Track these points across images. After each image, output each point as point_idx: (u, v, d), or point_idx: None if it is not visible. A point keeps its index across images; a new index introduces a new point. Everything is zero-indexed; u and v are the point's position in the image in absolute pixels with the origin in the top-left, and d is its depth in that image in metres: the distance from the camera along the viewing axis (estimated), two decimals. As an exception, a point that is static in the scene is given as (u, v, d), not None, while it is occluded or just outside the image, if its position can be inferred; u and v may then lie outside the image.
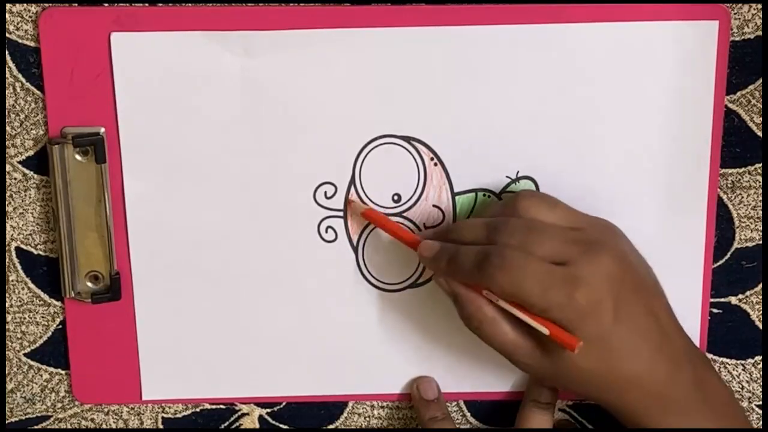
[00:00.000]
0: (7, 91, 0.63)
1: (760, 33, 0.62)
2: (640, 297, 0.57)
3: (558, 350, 0.56)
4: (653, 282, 0.59)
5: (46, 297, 0.67)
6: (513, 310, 0.56)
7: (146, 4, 0.61)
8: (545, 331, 0.55)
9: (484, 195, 0.64)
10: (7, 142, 0.64)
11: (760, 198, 0.65)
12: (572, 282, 0.54)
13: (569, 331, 0.55)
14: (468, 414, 0.69)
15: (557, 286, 0.54)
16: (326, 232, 0.65)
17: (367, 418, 0.69)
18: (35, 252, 0.66)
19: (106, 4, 0.61)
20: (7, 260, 0.66)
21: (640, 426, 0.58)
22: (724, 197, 0.65)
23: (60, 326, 0.67)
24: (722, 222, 0.65)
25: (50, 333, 0.67)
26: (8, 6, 0.61)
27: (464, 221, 0.61)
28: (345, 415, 0.69)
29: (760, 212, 0.65)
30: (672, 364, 0.57)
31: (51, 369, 0.68)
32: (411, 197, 0.64)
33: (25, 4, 0.61)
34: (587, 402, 0.69)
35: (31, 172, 0.64)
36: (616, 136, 0.63)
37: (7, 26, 0.62)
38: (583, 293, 0.54)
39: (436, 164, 0.64)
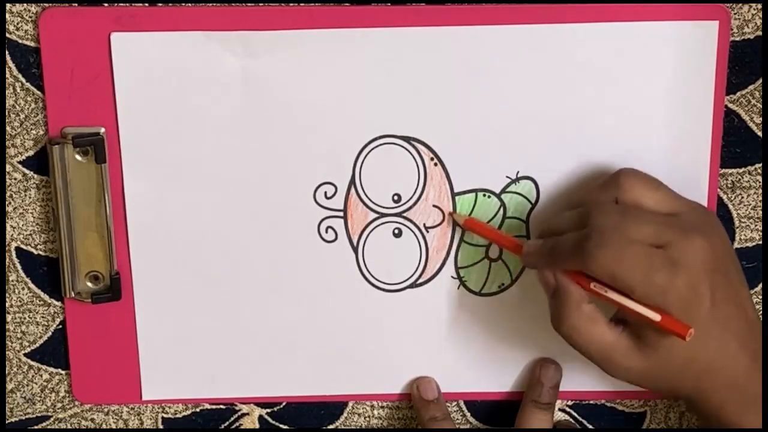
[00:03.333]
0: (7, 91, 0.63)
1: (760, 33, 0.62)
2: (731, 286, 0.56)
3: (657, 344, 0.55)
4: (740, 271, 0.58)
5: (46, 297, 0.67)
6: (621, 299, 0.54)
7: (146, 4, 0.61)
8: (656, 317, 0.53)
9: (484, 195, 0.64)
10: (7, 142, 0.64)
11: (760, 198, 0.65)
12: (673, 265, 0.53)
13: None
14: (468, 414, 0.69)
15: (659, 269, 0.53)
16: (326, 232, 0.65)
17: (367, 418, 0.69)
18: (35, 252, 0.66)
19: (106, 4, 0.61)
20: (7, 260, 0.66)
21: (721, 424, 0.57)
22: (724, 197, 0.65)
23: (60, 326, 0.67)
24: (722, 222, 0.65)
25: (50, 333, 0.67)
26: (8, 6, 0.61)
27: (558, 214, 0.60)
28: (345, 415, 0.69)
29: (760, 212, 0.65)
30: (753, 357, 0.56)
31: (51, 369, 0.68)
32: (411, 197, 0.64)
33: (25, 4, 0.61)
34: (587, 402, 0.69)
35: (31, 172, 0.64)
36: (616, 136, 0.63)
37: (7, 26, 0.62)
38: (683, 278, 0.53)
39: (436, 164, 0.64)
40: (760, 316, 0.67)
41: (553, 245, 0.57)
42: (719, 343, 0.55)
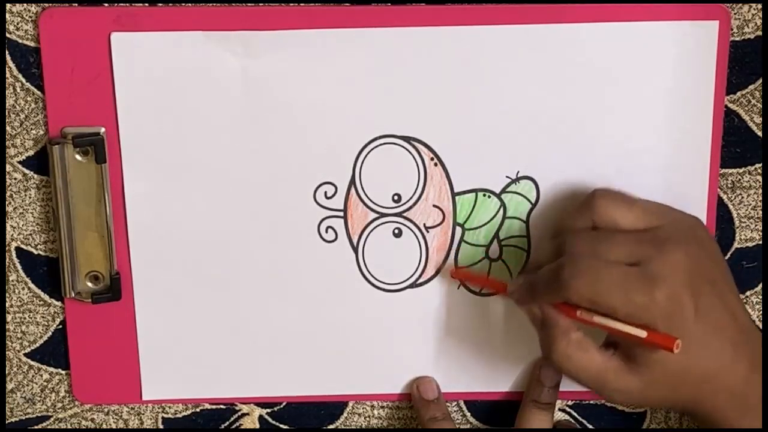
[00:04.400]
0: (7, 91, 0.63)
1: (760, 33, 0.62)
2: (717, 293, 0.56)
3: (648, 361, 0.55)
4: (729, 278, 0.58)
5: (46, 297, 0.67)
6: (606, 321, 0.54)
7: (146, 4, 0.61)
8: (642, 334, 0.53)
9: (484, 195, 0.64)
10: (7, 142, 0.64)
11: (760, 198, 0.65)
12: (650, 281, 0.53)
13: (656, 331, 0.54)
14: (468, 414, 0.69)
15: (636, 287, 0.53)
16: (326, 232, 0.65)
17: (367, 418, 0.69)
18: (35, 252, 0.66)
19: (106, 4, 0.61)
20: (7, 260, 0.66)
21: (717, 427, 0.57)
22: (724, 197, 0.65)
23: (60, 326, 0.67)
24: (722, 222, 0.65)
25: (50, 333, 0.67)
26: (8, 6, 0.61)
27: (535, 250, 0.61)
28: (345, 415, 0.69)
29: (760, 212, 0.65)
30: (749, 364, 0.56)
31: (51, 369, 0.68)
32: (411, 197, 0.64)
33: (25, 4, 0.61)
34: (587, 402, 0.69)
35: (31, 172, 0.64)
36: (616, 136, 0.63)
37: (7, 26, 0.62)
38: (662, 291, 0.53)
39: (436, 164, 0.64)
40: (756, 321, 0.67)
41: (531, 281, 0.58)
42: (712, 350, 0.55)
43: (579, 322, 0.56)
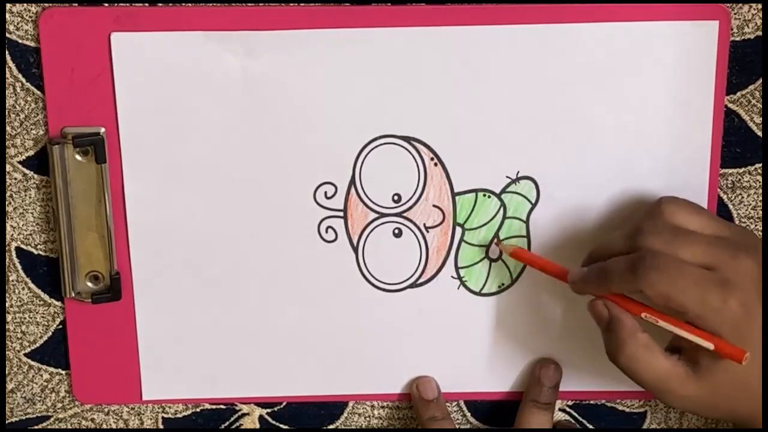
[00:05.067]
0: (7, 91, 0.63)
1: (760, 33, 0.62)
2: None
3: (714, 369, 0.55)
4: None
5: (46, 297, 0.67)
6: (674, 328, 0.54)
7: (146, 4, 0.61)
8: (710, 346, 0.53)
9: (484, 195, 0.64)
10: (7, 142, 0.64)
11: (760, 198, 0.65)
12: (725, 286, 0.53)
13: (723, 338, 0.53)
14: (468, 414, 0.69)
15: (712, 290, 0.53)
16: (326, 232, 0.65)
17: (367, 418, 0.69)
18: (35, 252, 0.66)
19: (106, 4, 0.61)
20: (7, 260, 0.66)
21: None
22: (724, 197, 0.65)
23: (60, 326, 0.67)
24: (722, 222, 0.65)
25: (50, 333, 0.67)
26: (8, 6, 0.61)
27: (603, 238, 0.60)
28: (345, 415, 0.69)
29: (760, 212, 0.65)
30: None
31: (51, 369, 0.68)
32: (411, 197, 0.64)
33: (25, 4, 0.61)
34: (587, 402, 0.69)
35: (31, 172, 0.64)
36: (616, 136, 0.63)
37: (7, 26, 0.62)
38: (736, 298, 0.53)
39: (436, 164, 0.64)
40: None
41: (602, 269, 0.57)
42: None
43: (643, 323, 0.56)
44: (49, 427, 0.69)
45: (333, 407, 0.69)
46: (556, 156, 0.63)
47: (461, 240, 0.65)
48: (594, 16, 0.61)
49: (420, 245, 0.65)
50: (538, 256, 0.64)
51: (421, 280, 0.66)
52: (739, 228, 0.59)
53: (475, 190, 0.64)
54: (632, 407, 0.69)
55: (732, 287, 0.54)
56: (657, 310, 0.56)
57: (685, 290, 0.53)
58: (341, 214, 0.65)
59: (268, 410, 0.69)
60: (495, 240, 0.65)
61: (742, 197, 0.65)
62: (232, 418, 0.69)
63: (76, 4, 0.61)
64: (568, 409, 0.69)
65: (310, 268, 0.65)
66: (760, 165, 0.64)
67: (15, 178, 0.64)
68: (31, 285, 0.66)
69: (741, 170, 0.64)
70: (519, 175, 0.64)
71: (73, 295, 0.65)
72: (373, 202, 0.65)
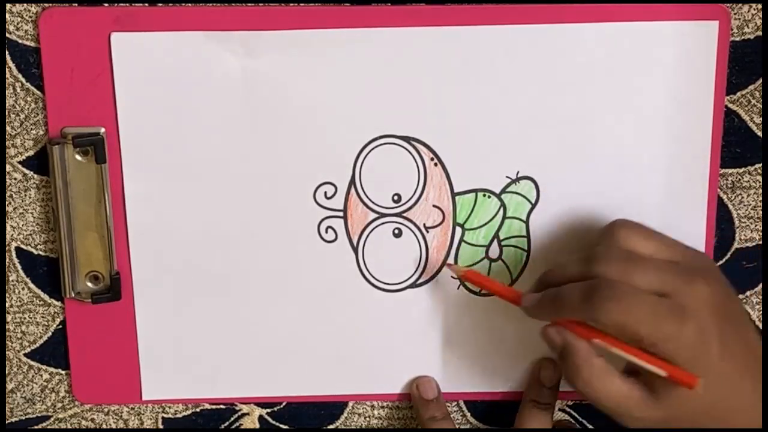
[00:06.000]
0: (7, 91, 0.63)
1: (760, 33, 0.62)
2: (737, 329, 0.56)
3: (671, 393, 0.54)
4: (746, 313, 0.58)
5: (46, 297, 0.67)
6: (626, 355, 0.54)
7: (146, 4, 0.61)
8: (662, 373, 0.53)
9: (484, 195, 0.64)
10: (7, 142, 0.64)
11: (760, 198, 0.65)
12: (680, 313, 0.53)
13: (679, 365, 0.53)
14: (468, 414, 0.69)
15: (667, 318, 0.53)
16: (326, 232, 0.65)
17: (367, 418, 0.69)
18: (35, 252, 0.66)
19: (106, 4, 0.61)
20: (7, 260, 0.66)
21: None
22: (724, 197, 0.65)
23: (60, 326, 0.67)
24: (722, 222, 0.65)
25: (50, 333, 0.67)
26: (8, 6, 0.61)
27: (556, 264, 0.59)
28: (345, 415, 0.69)
29: (760, 212, 0.65)
30: None
31: (51, 369, 0.68)
32: (411, 197, 0.64)
33: (25, 4, 0.61)
34: (587, 402, 0.69)
35: (31, 172, 0.64)
36: (616, 136, 0.63)
37: (7, 26, 0.62)
38: (691, 324, 0.53)
39: (436, 164, 0.64)
40: (756, 321, 0.67)
41: (556, 297, 0.56)
42: (736, 387, 0.55)
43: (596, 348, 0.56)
44: (49, 427, 0.69)
45: (333, 407, 0.69)
46: (556, 156, 0.63)
47: (461, 240, 0.65)
48: (594, 16, 0.61)
49: (420, 245, 0.65)
50: (490, 280, 0.63)
51: (421, 280, 0.66)
52: (692, 251, 0.58)
53: (475, 190, 0.64)
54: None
55: (687, 314, 0.53)
56: (610, 336, 0.55)
57: (641, 320, 0.53)
58: (341, 214, 0.65)
59: (268, 410, 0.69)
60: (446, 263, 0.65)
61: (742, 197, 0.65)
62: (232, 418, 0.69)
63: (76, 4, 0.61)
64: (568, 409, 0.69)
65: (310, 268, 0.65)
66: (760, 165, 0.64)
67: (15, 178, 0.64)
68: (31, 285, 0.66)
69: (741, 170, 0.64)
70: (519, 175, 0.64)
71: (73, 295, 0.65)
72: (373, 202, 0.65)
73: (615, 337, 0.55)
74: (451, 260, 0.65)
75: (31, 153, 0.64)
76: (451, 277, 0.66)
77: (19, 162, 0.64)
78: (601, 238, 0.58)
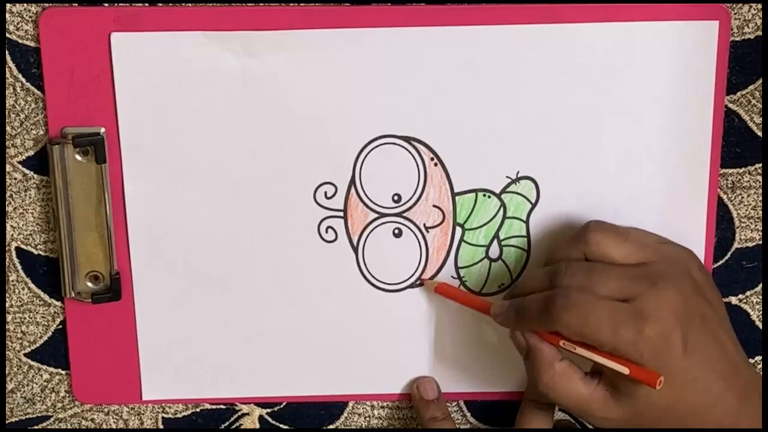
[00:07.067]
0: (7, 91, 0.63)
1: (760, 33, 0.62)
2: (707, 328, 0.56)
3: (633, 393, 0.55)
4: (720, 311, 0.58)
5: (46, 297, 0.67)
6: (589, 354, 0.55)
7: (146, 4, 0.61)
8: (624, 371, 0.54)
9: (484, 195, 0.64)
10: (7, 142, 0.64)
11: (760, 198, 0.65)
12: (640, 317, 0.54)
13: (642, 366, 0.54)
14: (468, 414, 0.69)
15: (626, 323, 0.54)
16: (326, 232, 0.65)
17: (367, 418, 0.69)
18: (35, 252, 0.66)
19: (106, 4, 0.61)
20: (7, 260, 0.66)
21: None
22: (724, 197, 0.65)
23: (60, 326, 0.67)
24: (722, 222, 0.65)
25: (50, 333, 0.67)
26: (8, 6, 0.61)
27: (526, 274, 0.61)
28: (345, 415, 0.69)
29: (760, 212, 0.65)
30: (740, 396, 0.57)
31: (51, 369, 0.68)
32: (411, 197, 0.64)
33: (25, 4, 0.61)
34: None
35: (31, 172, 0.64)
36: (616, 136, 0.63)
37: (7, 26, 0.62)
38: (651, 327, 0.54)
39: (436, 164, 0.64)
40: (756, 321, 0.67)
41: (519, 307, 0.58)
42: (700, 386, 0.56)
43: (563, 352, 0.57)
44: (49, 427, 0.69)
45: (333, 407, 0.69)
46: (556, 156, 0.63)
47: (461, 240, 0.65)
48: (594, 16, 0.61)
49: (420, 245, 0.65)
50: (462, 292, 0.65)
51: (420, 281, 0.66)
52: (668, 248, 0.59)
53: (475, 190, 0.64)
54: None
55: (647, 317, 0.54)
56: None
57: (598, 327, 0.54)
58: (341, 214, 0.65)
59: (268, 410, 0.69)
60: (420, 280, 0.65)
61: (742, 197, 0.65)
62: (232, 418, 0.69)
63: (76, 4, 0.61)
64: (568, 409, 0.69)
65: (310, 268, 0.65)
66: (760, 165, 0.64)
67: (15, 178, 0.64)
68: (31, 285, 0.66)
69: (741, 170, 0.64)
70: (519, 175, 0.64)
71: (73, 295, 0.65)
72: (373, 202, 0.65)
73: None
74: (450, 261, 0.65)
75: (31, 153, 0.64)
76: (451, 276, 0.66)
77: (19, 162, 0.64)
78: (573, 241, 0.59)
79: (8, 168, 0.64)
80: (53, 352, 0.68)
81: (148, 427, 0.69)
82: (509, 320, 0.59)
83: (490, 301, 0.62)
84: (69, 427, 0.69)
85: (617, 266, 0.57)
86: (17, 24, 0.62)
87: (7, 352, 0.68)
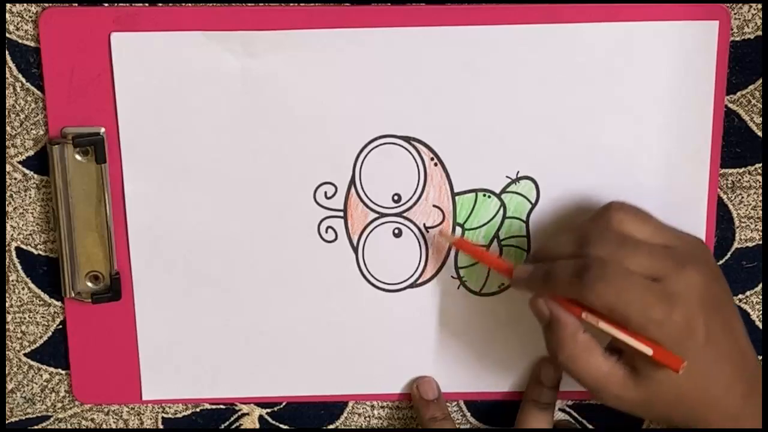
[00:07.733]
0: (7, 91, 0.63)
1: (760, 33, 0.62)
2: (722, 316, 0.56)
3: (652, 375, 0.55)
4: (732, 301, 0.58)
5: (46, 297, 0.67)
6: (614, 331, 0.54)
7: (146, 4, 0.61)
8: (648, 351, 0.53)
9: (484, 195, 0.64)
10: (7, 142, 0.64)
11: (760, 198, 0.65)
12: (669, 299, 0.54)
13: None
14: (468, 414, 0.69)
15: (656, 304, 0.53)
16: (326, 232, 0.65)
17: (367, 418, 0.69)
18: (35, 252, 0.66)
19: (106, 4, 0.61)
20: (7, 260, 0.66)
21: None
22: (724, 197, 0.65)
23: (60, 326, 0.67)
24: (722, 222, 0.65)
25: (50, 333, 0.67)
26: (8, 6, 0.61)
27: (550, 239, 0.59)
28: (345, 415, 0.69)
29: (760, 212, 0.65)
30: (747, 387, 0.56)
31: (51, 369, 0.68)
32: (411, 197, 0.64)
33: (25, 4, 0.61)
34: (588, 402, 0.69)
35: (31, 172, 0.64)
36: (616, 136, 0.63)
37: (7, 26, 0.62)
38: (679, 312, 0.53)
39: (436, 164, 0.64)
40: (756, 321, 0.67)
41: (548, 271, 0.56)
42: (713, 374, 0.55)
43: (584, 324, 0.56)
44: (49, 427, 0.69)
45: (333, 407, 0.69)
46: (556, 156, 0.63)
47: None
48: (594, 16, 0.61)
49: (420, 245, 0.65)
50: (480, 249, 0.64)
51: (421, 280, 0.66)
52: (687, 237, 0.58)
53: (475, 190, 0.64)
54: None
55: (676, 300, 0.54)
56: (599, 312, 0.55)
57: (630, 303, 0.53)
58: (341, 214, 0.65)
59: (268, 410, 0.69)
60: (439, 231, 0.64)
61: (742, 197, 0.65)
62: (232, 418, 0.69)
63: (76, 4, 0.61)
64: (568, 409, 0.69)
65: (310, 268, 0.65)
66: (760, 165, 0.64)
67: (15, 178, 0.64)
68: (31, 285, 0.66)
69: (741, 170, 0.64)
70: (519, 175, 0.64)
71: (73, 295, 0.65)
72: (373, 202, 0.65)
73: (603, 315, 0.55)
74: (450, 261, 0.65)
75: (31, 153, 0.64)
76: (451, 276, 0.66)
77: (19, 162, 0.64)
78: (595, 218, 0.58)
79: (8, 168, 0.64)
80: (53, 352, 0.68)
81: (148, 427, 0.69)
82: (535, 283, 0.57)
83: (510, 261, 0.60)
84: (69, 427, 0.69)
85: (645, 243, 0.56)
86: (17, 24, 0.62)
87: (7, 352, 0.68)
